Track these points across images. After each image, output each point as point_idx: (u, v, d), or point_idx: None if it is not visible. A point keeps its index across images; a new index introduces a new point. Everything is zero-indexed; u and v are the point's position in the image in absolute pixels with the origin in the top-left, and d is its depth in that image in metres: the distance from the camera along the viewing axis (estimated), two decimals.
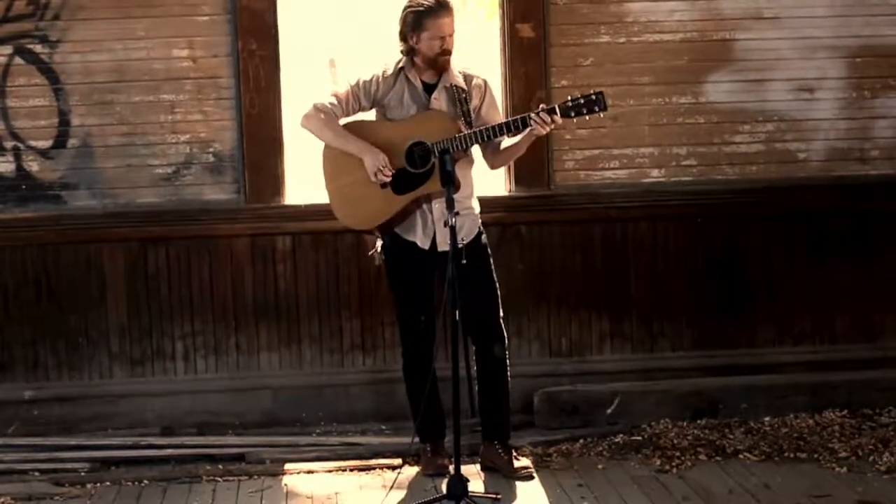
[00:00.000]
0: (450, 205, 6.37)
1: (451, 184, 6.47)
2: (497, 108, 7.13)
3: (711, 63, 8.08)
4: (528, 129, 6.73)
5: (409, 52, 6.95)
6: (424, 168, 6.82)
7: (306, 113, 6.98)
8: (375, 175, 6.82)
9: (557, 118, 6.68)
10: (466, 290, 6.45)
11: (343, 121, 6.98)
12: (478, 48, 8.03)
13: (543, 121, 6.67)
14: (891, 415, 7.81)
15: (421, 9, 6.81)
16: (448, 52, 6.86)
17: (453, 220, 6.34)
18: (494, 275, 7.02)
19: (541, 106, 6.75)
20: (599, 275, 8.12)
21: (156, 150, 7.88)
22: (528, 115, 6.71)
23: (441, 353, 6.97)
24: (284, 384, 8.03)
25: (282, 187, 7.95)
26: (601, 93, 6.69)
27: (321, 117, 6.95)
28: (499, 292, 7.03)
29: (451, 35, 6.85)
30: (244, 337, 8.00)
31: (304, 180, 8.00)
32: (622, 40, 8.02)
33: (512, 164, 7.66)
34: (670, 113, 8.09)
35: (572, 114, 6.70)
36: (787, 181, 8.15)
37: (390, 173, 6.83)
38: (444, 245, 6.68)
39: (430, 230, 6.92)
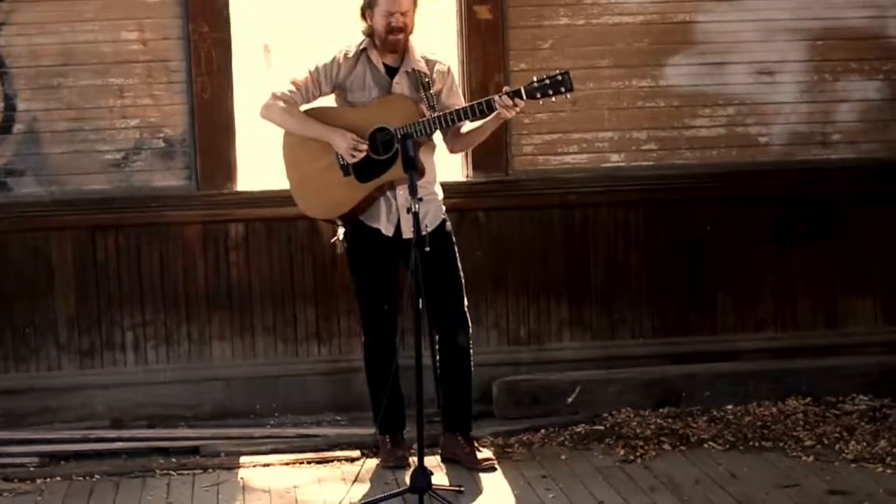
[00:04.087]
0: (413, 191, 6.24)
1: (413, 169, 6.37)
2: (458, 93, 7.02)
3: (671, 46, 8.00)
4: (494, 113, 6.60)
5: (369, 32, 6.83)
6: (388, 154, 6.69)
7: (265, 103, 6.86)
8: (352, 154, 6.68)
9: (522, 101, 6.56)
10: (430, 277, 6.32)
11: (303, 107, 6.86)
12: (434, 30, 7.87)
13: (506, 104, 6.55)
14: (854, 402, 7.77)
15: None
16: (398, 31, 6.72)
17: (416, 206, 6.21)
18: (459, 262, 6.92)
19: (504, 88, 6.63)
20: (559, 261, 8.03)
21: (104, 135, 7.71)
22: (492, 99, 6.59)
23: (402, 342, 6.84)
24: (237, 375, 7.90)
25: (234, 173, 7.80)
26: (567, 73, 6.58)
27: (280, 105, 6.82)
28: (463, 280, 6.92)
29: (403, 13, 6.71)
30: (196, 327, 7.86)
31: (257, 166, 7.90)
32: (581, 22, 7.92)
33: (470, 149, 7.53)
34: (630, 97, 8.00)
35: (538, 95, 6.58)
36: (748, 165, 8.10)
37: (365, 147, 6.69)
38: (408, 232, 6.53)
39: (394, 217, 6.80)
